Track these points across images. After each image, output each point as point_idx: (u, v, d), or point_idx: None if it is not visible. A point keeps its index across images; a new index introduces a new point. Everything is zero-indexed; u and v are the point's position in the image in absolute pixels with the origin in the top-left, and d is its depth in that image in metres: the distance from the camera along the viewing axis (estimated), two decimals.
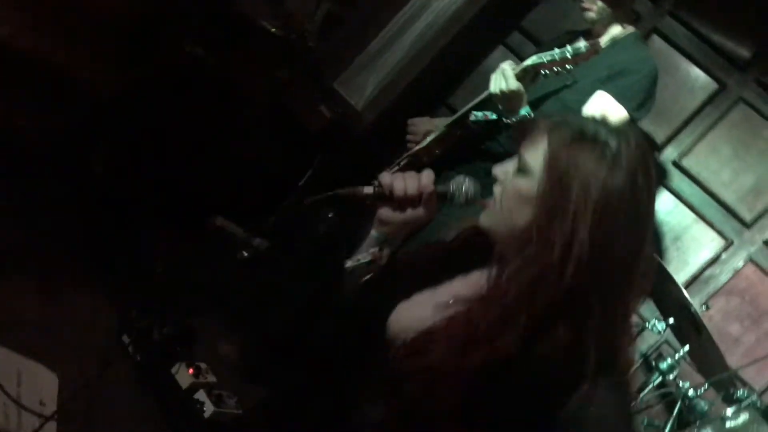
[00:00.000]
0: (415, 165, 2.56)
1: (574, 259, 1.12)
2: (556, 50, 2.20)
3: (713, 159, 3.38)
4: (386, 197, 1.31)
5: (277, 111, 3.26)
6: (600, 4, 2.55)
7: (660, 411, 2.66)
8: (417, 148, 2.67)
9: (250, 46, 3.13)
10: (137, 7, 2.94)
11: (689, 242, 3.36)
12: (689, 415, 2.14)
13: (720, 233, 3.34)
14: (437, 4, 3.48)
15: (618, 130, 1.21)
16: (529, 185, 1.19)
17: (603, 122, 1.25)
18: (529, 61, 2.24)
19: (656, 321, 2.51)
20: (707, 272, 3.33)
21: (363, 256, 1.36)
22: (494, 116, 2.38)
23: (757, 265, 3.29)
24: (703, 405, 2.12)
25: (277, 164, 3.19)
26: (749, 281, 3.30)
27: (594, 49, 2.20)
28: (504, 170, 1.27)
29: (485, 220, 1.28)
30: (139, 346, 2.50)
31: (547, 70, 2.22)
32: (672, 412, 2.25)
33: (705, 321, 2.90)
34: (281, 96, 3.28)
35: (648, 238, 1.20)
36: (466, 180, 1.35)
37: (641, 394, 2.29)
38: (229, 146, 3.07)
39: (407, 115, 2.93)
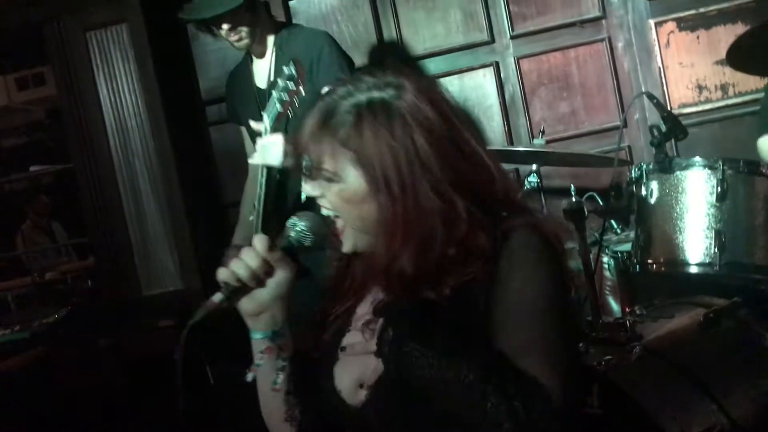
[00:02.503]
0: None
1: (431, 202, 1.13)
2: (275, 91, 2.21)
3: (423, 30, 3.55)
4: (239, 289, 1.21)
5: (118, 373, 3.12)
6: (244, 28, 2.54)
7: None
8: None
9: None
10: None
11: (477, 99, 3.54)
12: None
13: (483, 66, 3.53)
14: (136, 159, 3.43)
15: (376, 84, 1.19)
16: (348, 184, 1.17)
17: (352, 90, 1.20)
18: (268, 121, 2.25)
19: (526, 179, 2.65)
20: (507, 98, 3.52)
21: (257, 358, 1.26)
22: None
23: (525, 56, 3.51)
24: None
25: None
26: (533, 70, 3.52)
27: (297, 59, 2.25)
28: (309, 188, 1.23)
29: (347, 244, 1.23)
30: None
31: (289, 108, 2.24)
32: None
33: (551, 134, 3.13)
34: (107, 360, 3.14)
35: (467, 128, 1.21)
36: (298, 219, 1.27)
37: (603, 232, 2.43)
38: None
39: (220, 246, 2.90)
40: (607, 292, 2.95)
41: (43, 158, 5.45)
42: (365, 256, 1.24)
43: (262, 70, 2.64)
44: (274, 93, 2.21)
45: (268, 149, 2.26)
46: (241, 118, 2.80)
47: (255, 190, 2.72)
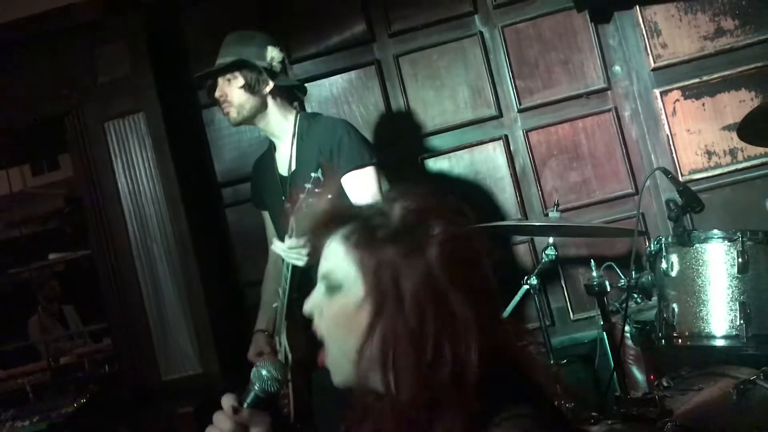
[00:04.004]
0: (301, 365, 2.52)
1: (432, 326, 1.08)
2: (303, 195, 2.19)
3: (432, 108, 3.62)
4: None
5: None
6: (235, 100, 2.58)
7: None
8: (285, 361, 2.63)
9: None
10: None
11: (487, 171, 3.58)
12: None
13: (492, 140, 3.59)
14: (154, 244, 3.46)
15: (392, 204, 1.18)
16: (347, 298, 1.16)
17: (374, 207, 1.21)
18: (294, 224, 2.24)
19: (544, 252, 2.67)
20: (518, 170, 3.57)
21: None
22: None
23: (533, 129, 3.57)
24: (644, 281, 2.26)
25: None
26: (542, 142, 3.57)
27: (326, 163, 2.24)
28: (312, 303, 1.22)
29: (335, 374, 1.18)
30: None
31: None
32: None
33: (563, 203, 3.16)
34: None
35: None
36: (258, 368, 1.28)
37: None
38: None
39: (240, 337, 2.91)
40: (630, 361, 2.93)
41: (59, 244, 5.51)
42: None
43: (283, 159, 2.70)
44: (302, 196, 2.21)
45: (295, 251, 2.28)
46: (265, 204, 2.85)
47: (278, 277, 2.75)
